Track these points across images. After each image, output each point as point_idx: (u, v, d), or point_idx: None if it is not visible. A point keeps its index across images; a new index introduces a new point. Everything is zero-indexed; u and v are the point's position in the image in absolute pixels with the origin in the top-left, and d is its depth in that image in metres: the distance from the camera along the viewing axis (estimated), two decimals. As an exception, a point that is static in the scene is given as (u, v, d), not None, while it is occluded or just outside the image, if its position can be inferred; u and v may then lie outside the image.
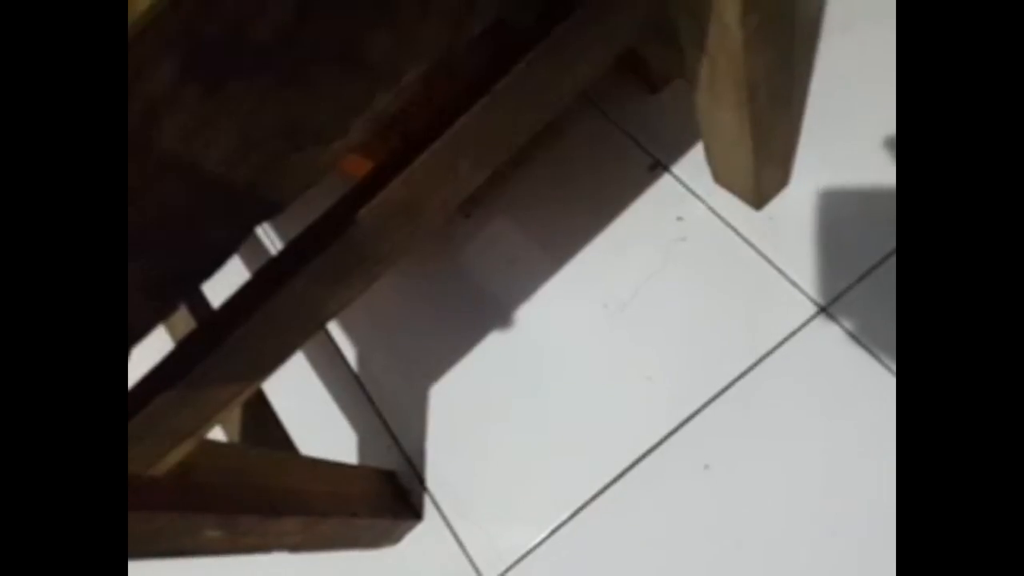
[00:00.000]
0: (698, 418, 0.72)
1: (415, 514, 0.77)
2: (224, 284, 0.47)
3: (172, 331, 0.71)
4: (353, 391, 0.86)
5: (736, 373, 0.72)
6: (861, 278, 0.71)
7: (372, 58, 0.36)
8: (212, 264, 0.39)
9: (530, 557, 0.72)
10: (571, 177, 0.87)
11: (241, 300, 0.45)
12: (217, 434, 0.63)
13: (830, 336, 0.70)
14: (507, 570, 0.72)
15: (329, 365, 0.89)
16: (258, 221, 0.39)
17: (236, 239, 0.39)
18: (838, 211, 0.74)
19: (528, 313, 0.82)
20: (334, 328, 0.91)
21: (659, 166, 0.84)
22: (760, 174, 0.71)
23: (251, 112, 0.33)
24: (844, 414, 0.67)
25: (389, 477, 0.78)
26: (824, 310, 0.71)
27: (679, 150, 0.83)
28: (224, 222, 0.38)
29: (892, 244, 0.71)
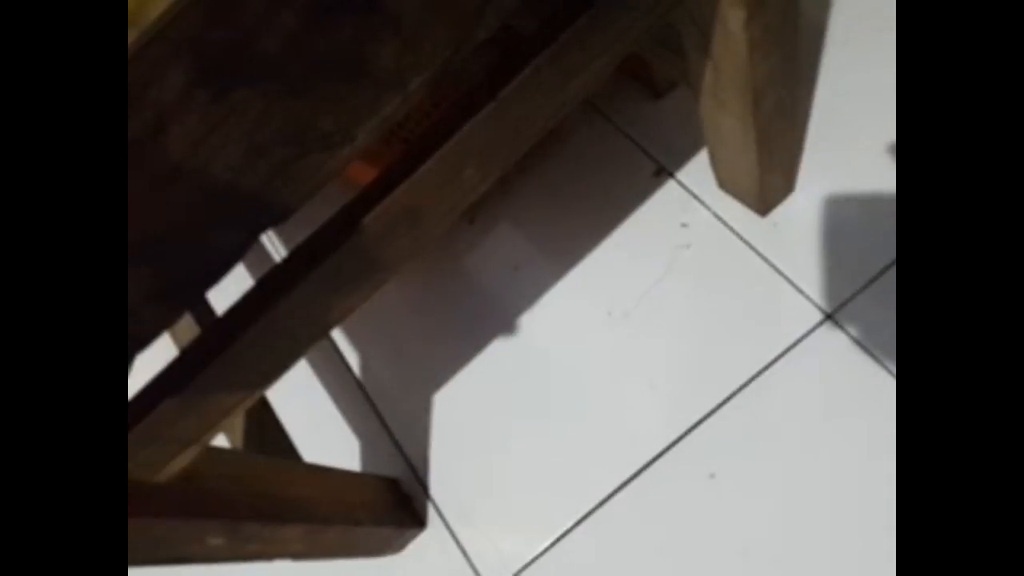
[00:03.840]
0: (703, 426, 0.71)
1: (419, 522, 0.77)
2: (228, 291, 0.47)
3: (176, 338, 0.71)
4: (356, 398, 0.86)
5: (741, 381, 0.72)
6: (867, 285, 0.71)
7: (379, 66, 0.36)
8: (218, 271, 0.39)
9: (535, 565, 0.72)
10: (575, 183, 0.87)
11: (245, 307, 0.45)
12: (220, 441, 0.63)
13: (836, 343, 0.70)
14: (511, 578, 0.72)
15: (333, 372, 0.89)
16: (264, 228, 0.39)
17: (242, 246, 0.39)
18: (843, 218, 0.74)
19: (532, 320, 0.82)
20: (338, 335, 0.91)
21: (663, 172, 0.84)
22: (765, 181, 0.71)
23: (258, 119, 0.34)
24: (850, 422, 0.67)
25: (392, 485, 0.78)
26: (830, 317, 0.71)
27: (683, 156, 0.83)
28: (231, 229, 0.38)
29: (898, 251, 0.71)
